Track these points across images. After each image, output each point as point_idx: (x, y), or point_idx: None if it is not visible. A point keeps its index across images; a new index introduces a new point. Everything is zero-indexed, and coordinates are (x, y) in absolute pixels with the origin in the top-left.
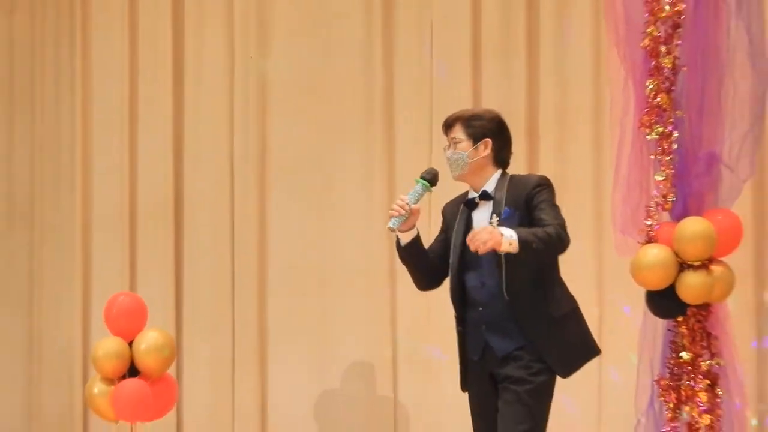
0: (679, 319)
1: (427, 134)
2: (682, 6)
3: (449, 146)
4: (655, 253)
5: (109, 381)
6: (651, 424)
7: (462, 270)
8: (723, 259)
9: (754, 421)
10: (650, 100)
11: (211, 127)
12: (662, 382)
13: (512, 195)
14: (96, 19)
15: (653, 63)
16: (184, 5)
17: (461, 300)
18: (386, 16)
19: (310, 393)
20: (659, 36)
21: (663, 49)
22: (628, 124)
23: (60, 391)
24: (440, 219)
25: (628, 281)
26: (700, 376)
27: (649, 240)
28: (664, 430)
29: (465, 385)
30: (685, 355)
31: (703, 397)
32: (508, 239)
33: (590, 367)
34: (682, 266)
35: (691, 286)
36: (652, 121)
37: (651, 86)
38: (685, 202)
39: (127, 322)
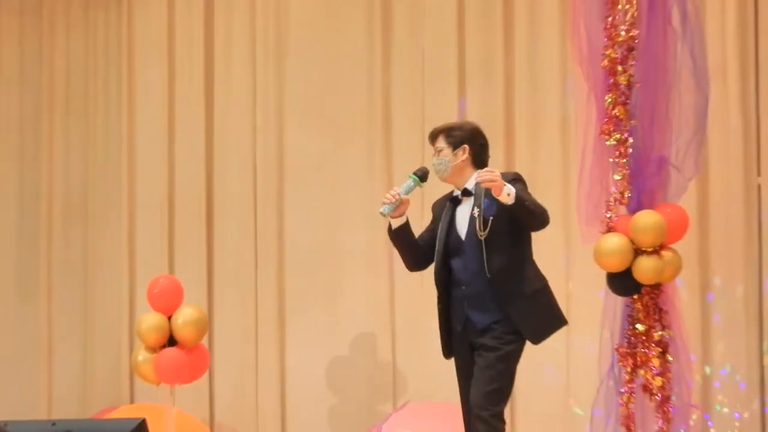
0: (635, 296)
1: (419, 140)
2: (635, 32)
3: (435, 154)
4: (615, 241)
5: (152, 350)
6: (612, 386)
7: (448, 255)
8: (672, 245)
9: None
10: (609, 112)
11: (237, 133)
12: (621, 350)
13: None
14: (139, 41)
15: (611, 80)
16: (213, 30)
17: (447, 280)
18: (385, 41)
19: (322, 359)
20: (616, 57)
21: (620, 68)
22: (590, 131)
23: (110, 358)
24: (431, 213)
25: (592, 265)
26: (653, 345)
27: (609, 230)
28: (623, 390)
29: (448, 353)
30: (640, 327)
31: (655, 362)
32: (507, 191)
33: (559, 337)
34: (637, 252)
35: (645, 269)
36: (611, 129)
37: (609, 100)
38: (640, 197)
39: (167, 300)
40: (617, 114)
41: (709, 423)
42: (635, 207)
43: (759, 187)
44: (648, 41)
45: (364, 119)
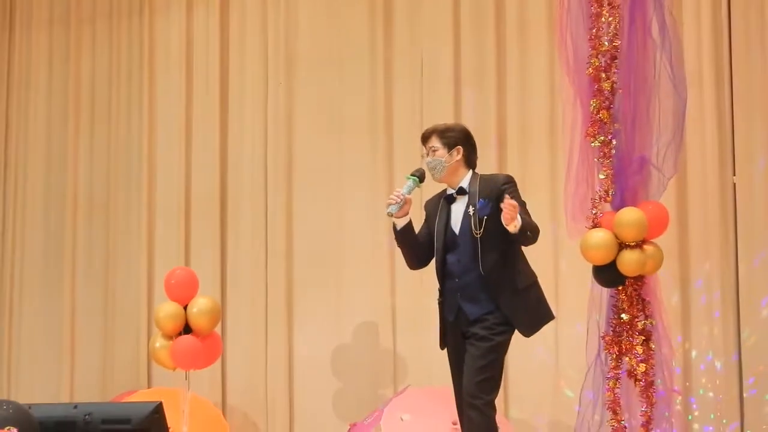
0: (620, 288)
1: (419, 146)
2: (618, 42)
3: (428, 154)
4: (600, 236)
5: (168, 337)
6: (598, 371)
7: (443, 250)
8: (653, 240)
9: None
10: (594, 116)
11: (250, 137)
12: (606, 338)
13: (484, 189)
14: (159, 51)
15: (596, 86)
16: (228, 41)
17: (442, 273)
18: (386, 53)
19: (327, 346)
20: (600, 65)
21: (603, 75)
22: (576, 134)
23: (129, 344)
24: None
25: (579, 258)
26: (637, 333)
27: (595, 225)
28: (609, 376)
29: (443, 344)
30: (624, 316)
31: (639, 349)
32: (516, 222)
33: (549, 326)
34: (621, 246)
35: (629, 262)
36: (596, 132)
37: (594, 105)
38: (623, 195)
39: (183, 291)
40: (601, 118)
41: (694, 406)
42: (619, 204)
43: (734, 185)
44: (629, 50)
45: (367, 123)
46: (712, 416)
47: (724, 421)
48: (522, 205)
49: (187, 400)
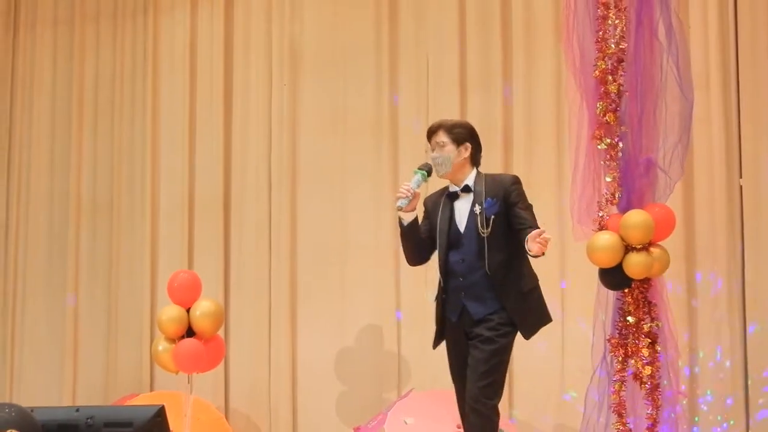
0: (626, 290)
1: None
2: (624, 45)
3: (433, 149)
4: (606, 238)
5: (171, 340)
6: (604, 374)
7: (446, 248)
8: (660, 242)
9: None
10: (600, 118)
11: (253, 139)
12: (612, 341)
13: (491, 189)
14: (163, 52)
15: (602, 89)
16: (233, 42)
17: (445, 271)
18: (392, 54)
19: (331, 349)
20: (607, 68)
21: (610, 78)
22: (583, 136)
23: (132, 347)
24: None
25: (585, 260)
26: (643, 336)
27: (601, 228)
28: (614, 378)
29: (437, 344)
30: (630, 319)
31: (645, 352)
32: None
33: (555, 328)
34: (628, 248)
35: (635, 264)
36: (602, 134)
37: (601, 107)
38: (629, 197)
39: (186, 294)
40: (608, 120)
41: (703, 407)
42: (625, 207)
43: (741, 188)
44: (636, 53)
45: (371, 125)
46: (719, 417)
47: (732, 422)
48: (528, 207)
49: (190, 404)
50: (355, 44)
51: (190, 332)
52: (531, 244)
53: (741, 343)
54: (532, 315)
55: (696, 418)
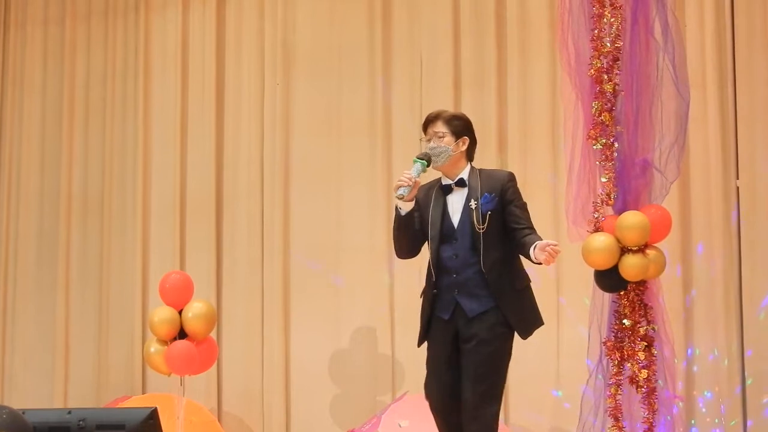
0: (622, 292)
1: (417, 146)
2: (620, 43)
3: (429, 139)
4: (602, 240)
5: (163, 342)
6: (600, 377)
7: (438, 242)
8: (656, 244)
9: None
10: (595, 118)
11: (246, 139)
12: (608, 344)
13: (487, 184)
14: (154, 50)
15: (598, 88)
16: (225, 41)
17: (437, 267)
18: (385, 54)
19: (325, 351)
20: (602, 67)
21: (605, 77)
22: (578, 136)
23: (123, 349)
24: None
25: (579, 262)
26: (639, 339)
27: (596, 229)
28: (610, 381)
29: (423, 341)
30: (626, 321)
31: (641, 355)
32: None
33: (550, 331)
34: (623, 250)
35: (631, 266)
36: (598, 134)
37: (596, 107)
38: (625, 198)
39: (178, 295)
40: (603, 120)
41: (702, 408)
42: (621, 208)
43: (737, 189)
44: (632, 52)
45: (365, 124)
46: (716, 420)
47: (732, 423)
48: (523, 206)
49: (182, 406)
50: (349, 43)
51: (182, 334)
52: (539, 252)
53: (738, 344)
54: (528, 313)
55: (693, 421)
